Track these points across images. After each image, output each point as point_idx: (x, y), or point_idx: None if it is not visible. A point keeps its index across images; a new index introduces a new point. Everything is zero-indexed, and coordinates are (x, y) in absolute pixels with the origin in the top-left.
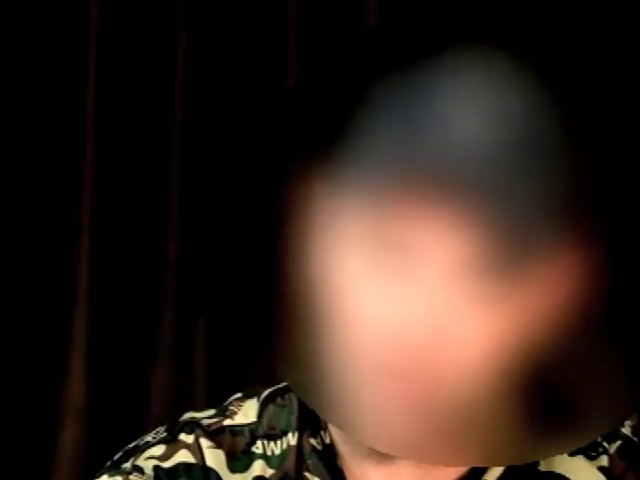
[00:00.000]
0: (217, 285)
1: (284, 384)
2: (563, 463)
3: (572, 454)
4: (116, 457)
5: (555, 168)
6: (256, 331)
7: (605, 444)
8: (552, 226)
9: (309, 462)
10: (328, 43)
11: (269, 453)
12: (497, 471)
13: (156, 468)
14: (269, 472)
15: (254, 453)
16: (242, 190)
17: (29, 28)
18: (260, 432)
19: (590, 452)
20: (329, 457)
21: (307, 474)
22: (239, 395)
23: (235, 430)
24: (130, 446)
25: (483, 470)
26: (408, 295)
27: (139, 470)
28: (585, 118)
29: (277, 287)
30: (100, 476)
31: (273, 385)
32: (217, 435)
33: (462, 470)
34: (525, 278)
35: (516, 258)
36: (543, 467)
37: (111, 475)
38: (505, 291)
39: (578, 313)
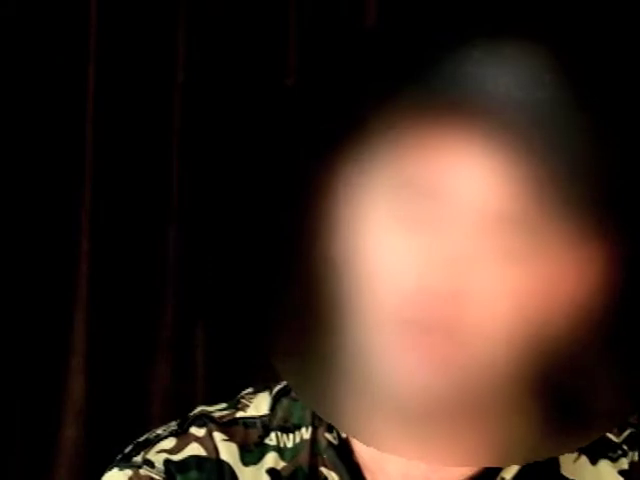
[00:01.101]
0: (217, 285)
1: None
2: (588, 472)
3: (595, 459)
4: (127, 450)
5: (585, 143)
6: (256, 331)
7: (625, 447)
8: (587, 200)
9: (325, 457)
10: (328, 43)
11: (282, 445)
12: (514, 469)
13: (166, 462)
14: (281, 464)
15: (267, 445)
16: (250, 179)
17: (29, 28)
18: (274, 424)
19: (611, 454)
20: (346, 452)
21: (323, 469)
22: (250, 390)
23: (248, 422)
24: (141, 439)
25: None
26: (434, 244)
27: (149, 464)
28: (614, 109)
29: (292, 275)
30: (111, 469)
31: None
32: (229, 427)
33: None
34: (554, 240)
35: (548, 219)
36: (568, 474)
37: (121, 468)
38: (534, 249)
39: (597, 303)
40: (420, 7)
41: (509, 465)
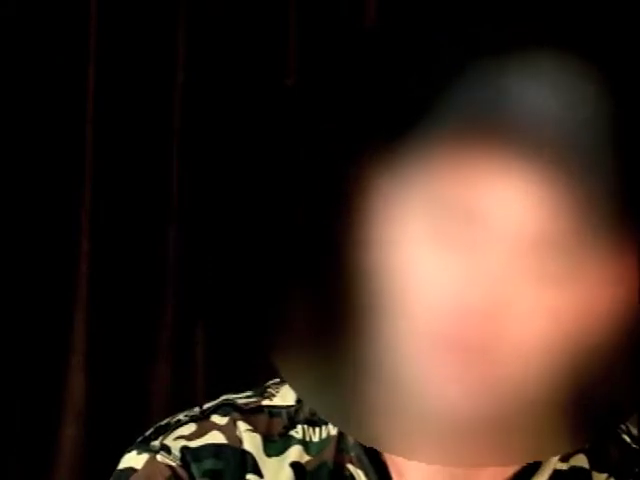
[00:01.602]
0: (217, 285)
1: None
2: None
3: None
4: (147, 433)
5: (624, 163)
6: (259, 336)
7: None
8: (622, 219)
9: (352, 454)
10: (328, 43)
11: (308, 439)
12: (546, 473)
13: (183, 449)
14: (306, 458)
15: (292, 437)
16: (252, 180)
17: (29, 28)
18: (301, 417)
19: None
20: (373, 451)
21: (350, 466)
22: (277, 380)
23: (273, 411)
24: (162, 423)
25: (532, 470)
26: (470, 265)
27: (166, 449)
28: None
29: (309, 281)
30: (130, 452)
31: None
32: (254, 414)
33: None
34: (591, 261)
35: (585, 240)
36: None
37: (139, 452)
38: (570, 270)
39: (629, 318)
40: (445, 10)
41: (521, 464)
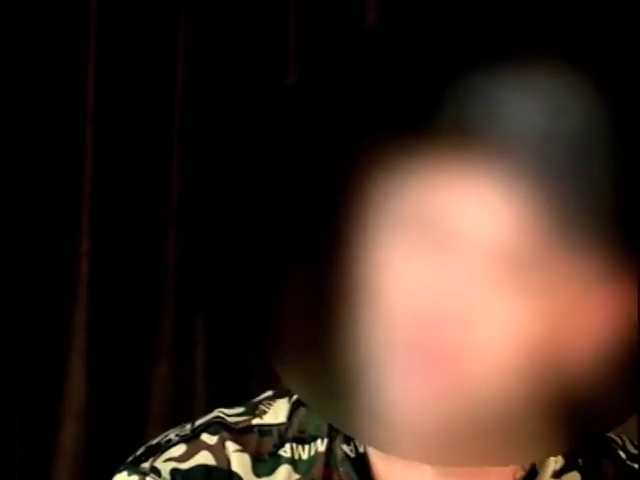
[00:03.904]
0: (217, 285)
1: None
2: None
3: None
4: (138, 452)
5: (608, 176)
6: (256, 336)
7: None
8: (595, 232)
9: (341, 470)
10: (328, 43)
11: (297, 457)
12: None
13: (173, 471)
14: (295, 477)
15: (281, 457)
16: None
17: (29, 28)
18: (289, 435)
19: None
20: (362, 466)
21: None
22: (270, 393)
23: (263, 430)
24: (153, 442)
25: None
26: (437, 273)
27: (156, 472)
28: None
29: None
30: (120, 472)
31: (273, 386)
32: (244, 434)
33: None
34: (560, 276)
35: (553, 253)
36: None
37: (130, 473)
38: (538, 284)
39: (619, 337)
40: (429, 18)
41: (509, 465)
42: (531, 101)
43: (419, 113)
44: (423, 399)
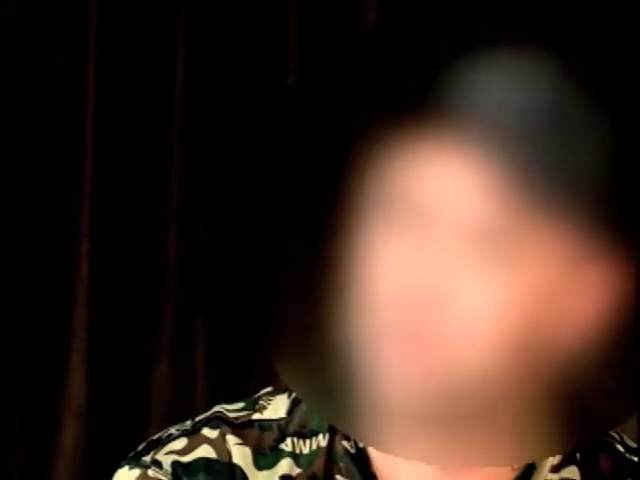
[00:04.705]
0: (217, 285)
1: None
2: None
3: None
4: (139, 448)
5: (575, 151)
6: (258, 332)
7: None
8: (578, 207)
9: (341, 465)
10: (328, 43)
11: (298, 452)
12: None
13: (174, 463)
14: (296, 471)
15: (282, 450)
16: (249, 179)
17: (29, 28)
18: (290, 430)
19: None
20: (362, 461)
21: (338, 477)
22: (270, 389)
23: (264, 425)
24: (154, 437)
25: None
26: (417, 254)
27: (158, 465)
28: (614, 113)
29: (294, 277)
30: (122, 467)
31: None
32: (244, 429)
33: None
34: (542, 250)
35: (537, 227)
36: None
37: (131, 467)
38: (521, 260)
39: (607, 317)
40: (418, 11)
41: (508, 466)
42: (506, 84)
43: (406, 100)
44: (413, 384)
